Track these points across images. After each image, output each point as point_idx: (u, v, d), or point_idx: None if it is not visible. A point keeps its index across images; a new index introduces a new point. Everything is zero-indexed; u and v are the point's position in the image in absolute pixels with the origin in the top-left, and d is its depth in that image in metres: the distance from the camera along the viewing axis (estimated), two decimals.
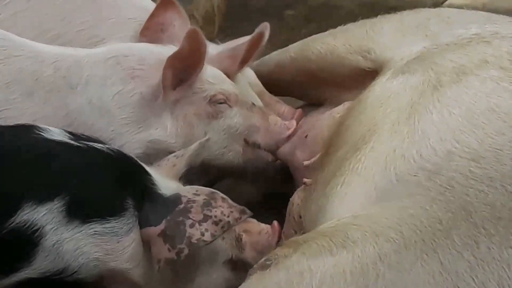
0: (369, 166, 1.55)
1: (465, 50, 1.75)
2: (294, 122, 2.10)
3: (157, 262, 1.54)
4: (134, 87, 1.82)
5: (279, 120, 2.08)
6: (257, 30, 2.14)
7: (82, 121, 1.77)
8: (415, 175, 1.45)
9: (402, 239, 1.31)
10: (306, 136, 2.10)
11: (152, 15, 2.05)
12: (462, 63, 1.68)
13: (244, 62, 2.13)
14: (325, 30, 2.34)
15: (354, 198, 1.53)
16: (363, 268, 1.29)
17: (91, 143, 1.58)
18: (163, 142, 1.84)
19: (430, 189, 1.39)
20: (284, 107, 2.26)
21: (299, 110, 2.24)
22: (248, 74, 2.30)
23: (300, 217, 1.82)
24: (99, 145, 1.59)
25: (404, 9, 2.26)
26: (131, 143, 1.76)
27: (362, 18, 2.27)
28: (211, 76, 1.94)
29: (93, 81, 1.81)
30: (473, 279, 1.23)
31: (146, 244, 1.55)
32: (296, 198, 1.89)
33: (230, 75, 2.09)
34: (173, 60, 1.80)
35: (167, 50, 1.89)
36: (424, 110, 1.58)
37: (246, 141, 2.02)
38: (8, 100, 1.76)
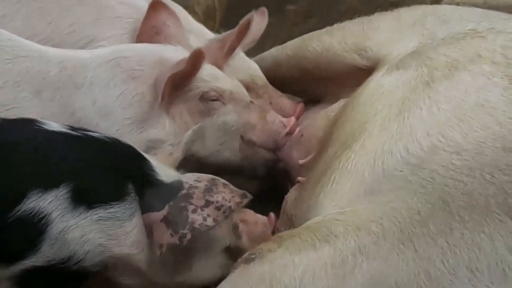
0: (359, 163, 1.63)
1: (459, 44, 1.82)
2: (292, 119, 2.15)
3: (159, 247, 1.59)
4: (135, 88, 1.91)
5: (278, 117, 2.12)
6: (244, 19, 2.20)
7: (88, 121, 1.85)
8: (401, 170, 1.54)
9: (382, 231, 1.40)
10: (301, 136, 2.16)
11: (145, 20, 2.12)
12: (455, 58, 1.75)
13: (231, 50, 2.19)
14: (326, 26, 2.40)
15: (343, 195, 1.61)
16: (343, 260, 1.38)
17: (88, 132, 1.66)
18: (163, 141, 1.92)
19: (413, 182, 1.47)
20: (286, 102, 2.32)
21: (301, 104, 2.30)
22: (252, 67, 2.36)
23: (292, 215, 1.89)
24: (96, 134, 1.67)
25: (404, 5, 2.31)
26: (133, 142, 1.80)
27: (363, 14, 2.33)
28: (206, 74, 2.01)
29: (97, 83, 1.90)
30: (444, 263, 1.33)
31: (148, 229, 1.61)
32: (290, 196, 1.97)
33: (221, 66, 2.14)
34: (174, 77, 1.90)
35: (166, 49, 1.99)
36: (414, 106, 1.66)
37: (242, 139, 2.07)
38: (17, 98, 1.84)
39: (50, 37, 2.07)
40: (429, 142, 1.54)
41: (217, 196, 1.62)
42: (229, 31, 2.22)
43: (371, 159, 1.61)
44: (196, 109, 1.99)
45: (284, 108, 2.28)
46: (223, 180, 1.67)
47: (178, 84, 1.93)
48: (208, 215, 1.59)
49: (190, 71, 1.92)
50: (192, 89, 1.98)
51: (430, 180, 1.46)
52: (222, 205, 1.61)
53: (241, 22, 2.20)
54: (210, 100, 2.00)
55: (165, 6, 2.12)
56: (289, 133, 2.12)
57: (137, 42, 2.14)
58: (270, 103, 2.30)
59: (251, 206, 1.77)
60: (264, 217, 1.82)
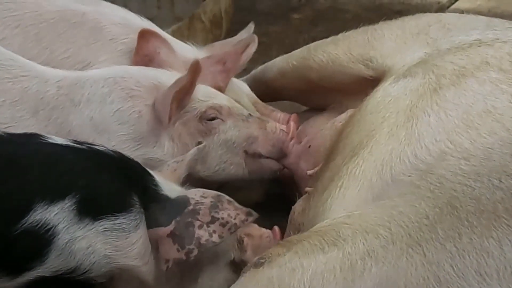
0: (367, 169, 1.63)
1: (466, 52, 1.82)
2: (292, 124, 2.16)
3: (165, 262, 1.60)
4: (132, 105, 1.93)
5: (278, 126, 2.13)
6: (243, 42, 2.24)
7: (84, 138, 1.85)
8: (409, 176, 1.53)
9: (390, 235, 1.40)
10: (309, 146, 2.17)
11: (136, 50, 2.13)
12: (462, 65, 1.75)
13: (232, 72, 2.23)
14: (331, 34, 2.41)
15: (350, 200, 1.61)
16: (352, 264, 1.37)
17: (92, 146, 1.67)
18: (160, 160, 1.93)
19: (421, 187, 1.47)
20: (279, 115, 2.32)
21: (294, 114, 2.30)
22: (241, 86, 2.38)
23: (300, 224, 1.88)
24: (100, 147, 1.68)
25: (410, 13, 2.33)
26: None
27: (368, 22, 2.34)
28: (201, 94, 2.02)
29: (94, 99, 1.92)
30: (453, 268, 1.32)
31: (154, 244, 1.61)
32: (298, 206, 1.96)
33: (223, 88, 2.17)
34: (178, 93, 1.91)
35: (162, 73, 2.02)
36: (422, 113, 1.66)
37: (246, 153, 2.07)
38: (15, 117, 1.86)
39: (46, 61, 2.09)
40: (437, 148, 1.54)
41: (223, 213, 1.62)
42: (227, 48, 2.25)
43: (379, 165, 1.61)
44: (195, 130, 2.00)
45: (277, 122, 2.26)
46: (227, 197, 1.68)
47: (181, 102, 1.95)
48: (214, 231, 1.60)
49: (191, 83, 1.93)
50: (189, 110, 1.99)
51: (438, 185, 1.45)
52: (227, 222, 1.61)
53: (240, 43, 2.23)
54: (208, 120, 2.01)
55: (153, 33, 2.14)
56: (292, 139, 2.12)
57: None
58: None
59: (257, 214, 1.77)
60: (269, 231, 1.82)
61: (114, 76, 1.96)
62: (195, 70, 1.91)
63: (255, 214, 1.66)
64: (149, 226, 1.60)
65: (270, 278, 1.39)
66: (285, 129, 2.13)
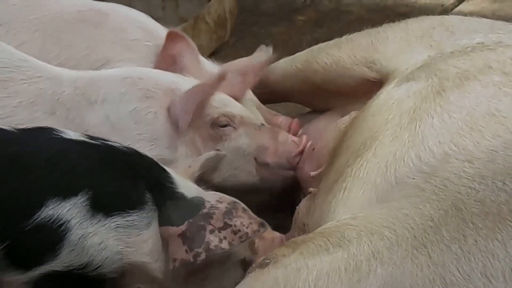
0: (371, 171, 1.63)
1: (468, 56, 1.83)
2: (304, 137, 2.16)
3: (172, 261, 1.59)
4: (149, 106, 1.93)
5: (289, 137, 2.13)
6: (263, 57, 2.25)
7: (101, 136, 1.85)
8: (413, 178, 1.53)
9: (395, 237, 1.40)
10: (313, 149, 2.17)
11: (163, 49, 2.14)
12: (465, 69, 1.75)
13: (250, 84, 2.24)
14: (335, 35, 2.42)
15: (355, 202, 1.60)
16: (357, 265, 1.37)
17: (106, 141, 1.67)
18: (173, 161, 1.93)
19: (425, 189, 1.47)
20: (280, 119, 2.33)
21: (296, 119, 2.31)
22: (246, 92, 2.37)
23: (304, 224, 1.89)
24: (115, 143, 1.67)
25: (413, 15, 2.33)
26: None
27: (371, 24, 2.34)
28: (216, 101, 2.03)
29: (110, 98, 1.92)
30: (458, 270, 1.32)
31: (165, 242, 1.61)
32: (302, 207, 1.97)
33: (239, 99, 2.17)
34: (203, 101, 1.93)
35: (179, 78, 2.03)
36: (425, 115, 1.66)
37: (256, 161, 2.09)
38: (31, 118, 1.87)
39: (66, 60, 2.10)
40: (441, 150, 1.54)
41: (236, 220, 1.61)
42: (246, 63, 2.25)
43: (383, 167, 1.61)
44: (208, 135, 2.01)
45: (280, 127, 2.28)
46: (243, 205, 1.67)
47: (201, 108, 1.96)
48: (225, 238, 1.59)
49: (214, 91, 1.95)
50: (203, 116, 2.00)
51: (442, 187, 1.45)
52: (239, 230, 1.60)
53: (261, 60, 2.24)
54: (220, 126, 2.02)
55: (182, 37, 2.15)
56: (302, 151, 2.13)
57: (154, 68, 2.16)
58: None
59: (263, 214, 1.76)
60: (282, 235, 1.83)
61: (132, 76, 1.96)
62: (222, 79, 1.93)
63: (267, 226, 1.65)
64: (162, 223, 1.60)
65: (276, 278, 1.39)
66: (296, 141, 2.14)
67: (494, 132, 1.53)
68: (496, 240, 1.33)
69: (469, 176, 1.45)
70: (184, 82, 1.98)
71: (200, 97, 1.91)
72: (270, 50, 2.45)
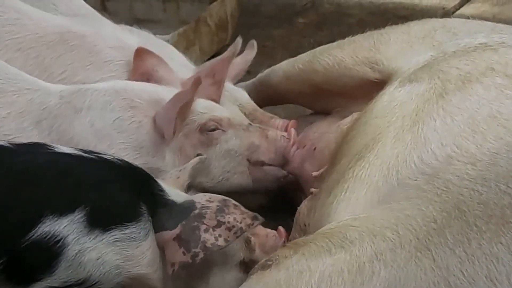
0: (372, 173, 1.62)
1: (471, 56, 1.82)
2: (292, 131, 2.16)
3: (171, 265, 1.59)
4: (133, 115, 1.94)
5: (278, 133, 2.13)
6: (228, 52, 2.25)
7: (86, 144, 1.86)
8: (415, 179, 1.52)
9: (398, 238, 1.38)
10: (314, 149, 2.17)
11: (134, 70, 2.15)
12: (467, 71, 1.74)
13: (221, 83, 2.23)
14: (336, 38, 2.41)
15: (356, 203, 1.59)
16: (360, 267, 1.35)
17: (100, 155, 1.66)
18: (161, 170, 1.93)
19: (428, 191, 1.46)
20: (277, 122, 2.32)
21: (293, 120, 2.30)
22: (238, 95, 2.38)
23: (305, 225, 1.87)
24: (108, 156, 1.67)
25: (414, 18, 2.33)
26: None
27: (372, 27, 2.33)
28: (201, 107, 2.03)
29: (95, 106, 1.93)
30: (463, 273, 1.30)
31: (160, 248, 1.61)
32: (303, 207, 1.95)
33: (217, 100, 2.18)
34: (182, 108, 1.92)
35: (162, 89, 2.03)
36: (428, 117, 1.65)
37: (249, 161, 2.08)
38: (19, 129, 1.89)
39: (46, 80, 2.09)
40: (443, 152, 1.53)
41: (229, 217, 1.61)
42: (212, 61, 2.27)
43: (385, 169, 1.60)
44: (197, 141, 2.01)
45: (276, 128, 2.27)
46: (234, 201, 1.67)
47: (183, 115, 1.96)
48: (220, 235, 1.59)
49: (193, 97, 1.95)
50: (189, 123, 2.00)
51: (445, 189, 1.44)
52: (233, 226, 1.60)
53: (226, 54, 2.25)
54: (209, 131, 2.02)
55: (149, 52, 2.15)
56: (294, 144, 2.12)
57: None
58: None
59: (263, 216, 1.76)
60: (274, 231, 1.83)
61: (115, 88, 1.98)
62: (197, 84, 1.93)
63: (261, 219, 1.65)
64: (156, 230, 1.60)
65: (278, 280, 1.38)
66: (286, 136, 2.13)
67: (496, 134, 1.52)
68: (500, 244, 1.31)
69: (471, 178, 1.44)
70: (167, 93, 1.99)
71: (180, 104, 1.91)
72: (255, 45, 2.50)
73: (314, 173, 2.06)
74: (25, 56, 2.14)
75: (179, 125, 1.95)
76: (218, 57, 2.35)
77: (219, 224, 1.60)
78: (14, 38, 2.16)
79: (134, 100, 1.95)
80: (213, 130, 2.02)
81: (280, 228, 1.85)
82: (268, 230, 1.81)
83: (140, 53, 2.14)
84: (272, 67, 2.55)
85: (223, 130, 2.04)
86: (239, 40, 2.30)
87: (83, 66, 2.17)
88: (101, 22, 2.45)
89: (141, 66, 2.13)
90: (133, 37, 2.31)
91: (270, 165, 2.11)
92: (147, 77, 2.13)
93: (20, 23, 2.18)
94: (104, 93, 1.95)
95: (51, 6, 2.45)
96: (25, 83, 1.95)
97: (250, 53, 2.51)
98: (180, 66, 2.34)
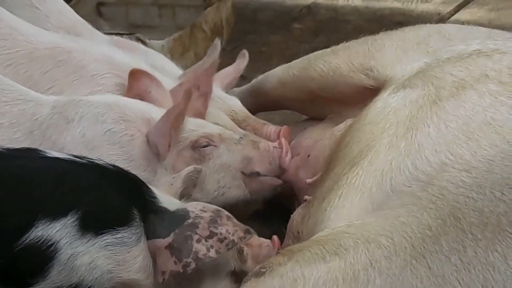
0: (366, 179, 1.61)
1: (465, 63, 1.80)
2: (283, 140, 2.14)
3: (161, 274, 1.57)
4: (125, 128, 1.92)
5: (270, 144, 2.11)
6: (209, 62, 2.24)
7: (77, 154, 1.83)
8: (409, 186, 1.51)
9: (393, 246, 1.36)
10: (308, 156, 2.16)
11: (128, 90, 2.13)
12: (462, 77, 1.73)
13: (206, 96, 2.21)
14: (333, 44, 2.39)
15: (350, 210, 1.58)
16: (354, 274, 1.34)
17: (92, 160, 1.65)
18: (151, 183, 1.90)
19: (422, 198, 1.45)
20: (270, 128, 2.30)
21: (285, 127, 2.28)
22: (230, 103, 2.37)
23: (299, 232, 1.86)
24: (100, 161, 1.66)
25: (410, 24, 2.32)
26: None
27: (369, 33, 2.32)
28: (191, 125, 2.02)
29: (87, 117, 1.91)
30: (459, 282, 1.29)
31: (152, 255, 1.59)
32: (296, 215, 1.93)
33: (204, 113, 2.18)
34: (175, 120, 1.91)
35: (152, 109, 2.01)
36: (421, 124, 1.63)
37: (244, 174, 2.06)
38: (12, 139, 1.87)
39: None
40: (437, 159, 1.52)
41: (221, 228, 1.59)
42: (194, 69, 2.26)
43: (378, 176, 1.59)
44: (190, 158, 1.99)
45: (269, 136, 2.27)
46: (227, 213, 1.65)
47: (176, 131, 1.94)
48: (212, 246, 1.57)
49: (185, 110, 1.93)
50: (181, 140, 1.99)
51: (440, 196, 1.43)
52: (225, 238, 1.58)
53: (207, 63, 2.24)
54: (201, 147, 2.00)
55: (144, 73, 2.13)
56: (287, 153, 2.10)
57: None
58: (255, 134, 2.28)
59: (256, 224, 1.75)
60: (268, 240, 1.80)
61: (108, 101, 1.96)
62: (188, 96, 1.92)
63: (253, 232, 1.63)
64: (148, 237, 1.58)
65: None
66: (277, 145, 2.11)
67: (491, 141, 1.50)
68: (496, 252, 1.30)
69: (466, 185, 1.42)
70: (158, 113, 1.97)
71: (172, 116, 1.89)
72: (246, 54, 2.49)
73: (308, 180, 2.04)
74: (15, 71, 2.13)
75: (173, 139, 1.93)
76: (199, 65, 2.32)
77: (212, 235, 1.58)
78: (6, 53, 2.15)
79: (126, 114, 1.93)
80: (205, 146, 2.01)
81: (274, 237, 1.83)
82: (262, 239, 1.79)
83: (135, 73, 2.12)
84: (266, 73, 2.54)
85: (215, 146, 2.03)
86: (217, 44, 2.29)
87: (69, 81, 2.16)
88: (91, 34, 2.46)
89: (136, 87, 2.11)
90: (119, 51, 2.30)
91: (265, 175, 2.09)
92: (141, 98, 2.11)
93: (12, 38, 2.17)
94: (97, 105, 1.93)
95: (43, 18, 2.45)
96: (18, 93, 1.93)
97: (242, 62, 2.50)
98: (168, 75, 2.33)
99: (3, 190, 1.49)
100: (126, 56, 2.27)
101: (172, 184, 1.79)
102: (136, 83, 2.11)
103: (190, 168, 1.85)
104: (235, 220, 1.63)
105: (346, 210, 1.58)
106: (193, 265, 1.55)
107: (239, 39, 2.43)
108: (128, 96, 2.11)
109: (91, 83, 2.16)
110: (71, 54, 2.19)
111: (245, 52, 2.50)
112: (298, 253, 1.43)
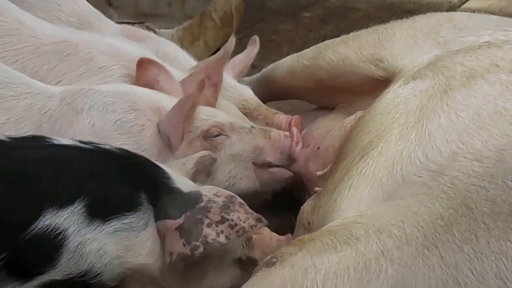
0: (377, 170, 1.60)
1: (475, 53, 1.79)
2: (294, 130, 2.14)
3: (169, 255, 1.57)
4: (135, 118, 1.91)
5: (282, 133, 2.11)
6: (222, 53, 2.23)
7: None
8: (420, 176, 1.50)
9: (405, 235, 1.35)
10: (318, 148, 2.15)
11: (136, 79, 2.13)
12: (472, 67, 1.72)
13: (217, 86, 2.21)
14: (342, 32, 2.39)
15: (361, 200, 1.57)
16: (366, 264, 1.33)
17: (98, 145, 1.65)
18: None
19: (433, 188, 1.44)
20: (281, 117, 2.30)
21: (296, 116, 2.28)
22: (242, 92, 2.37)
23: (309, 223, 1.85)
24: (106, 146, 1.65)
25: (421, 12, 2.29)
26: None
27: (378, 21, 2.31)
28: (202, 114, 2.02)
29: (96, 107, 1.91)
30: (472, 271, 1.28)
31: (161, 236, 1.58)
32: (307, 206, 1.93)
33: (214, 103, 2.17)
34: (188, 112, 1.91)
35: (164, 98, 2.01)
36: (432, 113, 1.63)
37: (255, 164, 2.06)
38: (19, 134, 1.83)
39: None
40: (448, 148, 1.51)
41: (233, 215, 1.58)
42: (206, 61, 2.26)
43: (389, 165, 1.58)
44: (201, 148, 1.98)
45: (281, 125, 2.27)
46: (240, 199, 1.64)
47: (189, 120, 1.94)
48: (222, 232, 1.56)
49: (198, 100, 1.93)
50: (192, 130, 1.99)
51: (451, 186, 1.42)
52: (236, 224, 1.58)
53: (220, 54, 2.23)
54: (213, 137, 2.00)
55: (152, 62, 2.12)
56: (297, 143, 2.11)
57: None
58: (266, 123, 2.29)
59: (265, 216, 1.73)
60: (279, 236, 1.80)
61: (118, 90, 1.95)
62: (202, 87, 1.92)
63: (264, 221, 1.62)
64: (159, 217, 1.57)
65: (283, 278, 1.35)
66: (288, 134, 2.12)
67: (502, 131, 1.50)
68: (509, 242, 1.29)
69: (478, 175, 1.41)
70: (169, 102, 1.97)
71: (186, 107, 1.89)
72: (257, 40, 2.49)
73: (318, 172, 2.04)
74: (23, 67, 2.12)
75: (185, 129, 1.93)
76: (212, 58, 2.32)
77: (223, 220, 1.57)
78: (13, 49, 2.15)
79: (136, 103, 1.92)
80: (217, 135, 2.01)
81: (289, 236, 1.82)
82: (274, 234, 1.79)
83: (143, 62, 2.12)
84: (276, 63, 2.53)
85: (226, 135, 2.02)
86: (232, 39, 2.28)
87: (77, 75, 2.15)
88: (103, 23, 2.45)
89: (144, 76, 2.11)
90: (126, 41, 2.30)
91: (276, 166, 2.09)
92: (150, 87, 2.11)
93: (19, 33, 2.17)
94: (106, 94, 1.92)
95: (55, 7, 2.44)
96: (25, 86, 1.92)
97: (253, 49, 2.49)
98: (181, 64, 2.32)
99: (10, 180, 1.49)
100: (133, 47, 2.27)
101: (184, 164, 1.79)
102: (144, 72, 2.11)
103: (205, 152, 1.84)
104: (247, 208, 1.63)
105: (356, 200, 1.58)
106: (201, 249, 1.54)
107: (248, 28, 2.42)
108: (137, 85, 2.12)
109: (99, 75, 2.16)
110: (78, 47, 2.19)
111: (256, 38, 2.49)
112: (309, 243, 1.42)
